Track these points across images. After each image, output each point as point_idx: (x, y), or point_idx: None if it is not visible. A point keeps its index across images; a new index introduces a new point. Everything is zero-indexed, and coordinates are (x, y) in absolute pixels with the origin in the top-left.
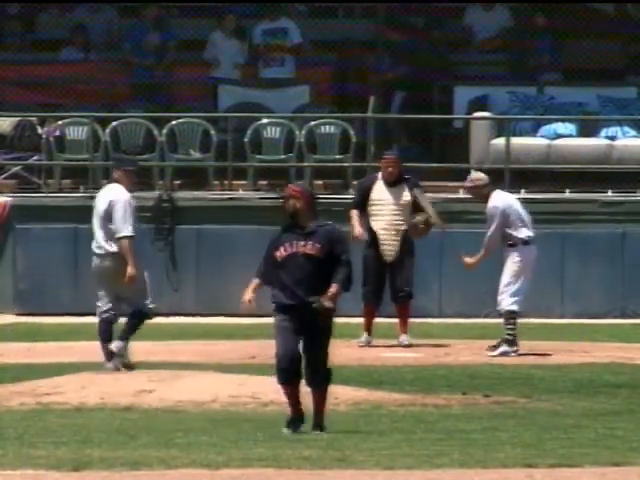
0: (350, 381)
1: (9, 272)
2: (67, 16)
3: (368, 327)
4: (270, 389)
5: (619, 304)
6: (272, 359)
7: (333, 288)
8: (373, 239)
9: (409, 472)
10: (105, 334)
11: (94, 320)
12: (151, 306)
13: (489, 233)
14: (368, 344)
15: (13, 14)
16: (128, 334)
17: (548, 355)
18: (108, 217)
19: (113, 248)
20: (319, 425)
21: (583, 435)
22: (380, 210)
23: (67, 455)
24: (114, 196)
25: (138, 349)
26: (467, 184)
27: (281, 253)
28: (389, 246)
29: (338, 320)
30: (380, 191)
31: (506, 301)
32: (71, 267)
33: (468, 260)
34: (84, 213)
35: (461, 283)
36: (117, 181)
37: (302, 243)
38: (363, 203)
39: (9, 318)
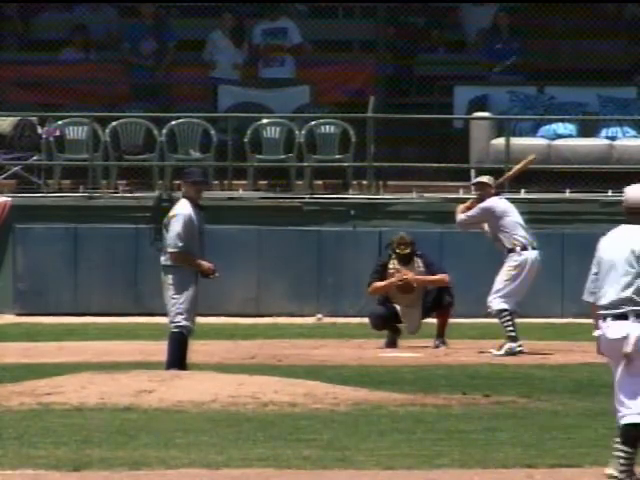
0: (350, 381)
1: (9, 272)
2: (67, 16)
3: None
4: (270, 389)
5: None
6: (272, 359)
7: None
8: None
9: (409, 472)
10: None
11: (94, 320)
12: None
13: (470, 213)
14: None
15: (12, 14)
16: None
17: (548, 355)
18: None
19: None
20: None
21: (583, 435)
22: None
23: (67, 455)
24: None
25: (138, 349)
26: (485, 181)
27: None
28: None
29: (338, 320)
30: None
31: (495, 302)
32: (71, 267)
33: None
34: (84, 213)
35: (461, 283)
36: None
37: None
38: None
39: (9, 318)
